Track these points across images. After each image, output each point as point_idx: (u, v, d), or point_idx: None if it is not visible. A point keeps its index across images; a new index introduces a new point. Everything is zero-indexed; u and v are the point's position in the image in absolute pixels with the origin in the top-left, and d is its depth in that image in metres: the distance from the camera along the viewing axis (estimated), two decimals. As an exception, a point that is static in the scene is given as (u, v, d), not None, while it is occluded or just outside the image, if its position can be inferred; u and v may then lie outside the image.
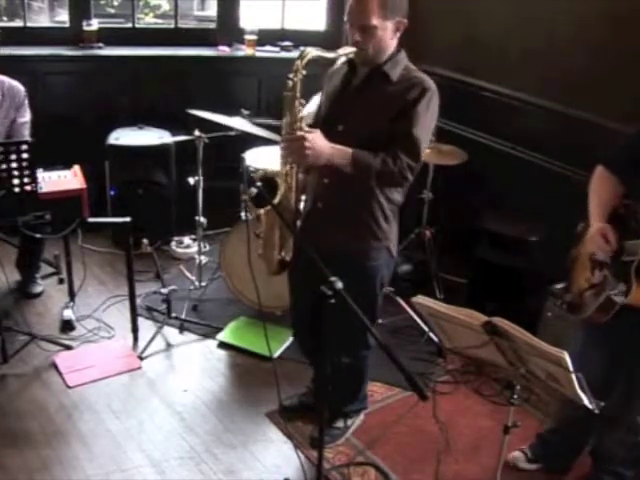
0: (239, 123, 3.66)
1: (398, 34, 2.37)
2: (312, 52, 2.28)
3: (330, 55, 2.35)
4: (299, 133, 2.29)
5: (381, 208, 2.50)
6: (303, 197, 2.63)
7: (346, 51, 2.34)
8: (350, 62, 2.45)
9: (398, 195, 2.53)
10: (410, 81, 2.36)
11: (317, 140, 2.28)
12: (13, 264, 3.79)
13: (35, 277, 3.86)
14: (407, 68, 2.41)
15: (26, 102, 3.47)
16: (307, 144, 2.25)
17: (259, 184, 2.27)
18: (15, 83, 3.44)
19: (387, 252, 2.59)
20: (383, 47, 2.34)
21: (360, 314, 1.91)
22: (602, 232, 2.29)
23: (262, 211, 2.47)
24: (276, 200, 2.42)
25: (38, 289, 3.84)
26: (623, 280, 2.24)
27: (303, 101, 2.33)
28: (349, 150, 2.31)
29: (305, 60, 2.27)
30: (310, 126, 2.39)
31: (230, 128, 3.65)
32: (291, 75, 2.30)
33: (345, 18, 2.34)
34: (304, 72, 2.30)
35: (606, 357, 2.45)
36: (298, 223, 2.56)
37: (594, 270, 2.38)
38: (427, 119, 2.36)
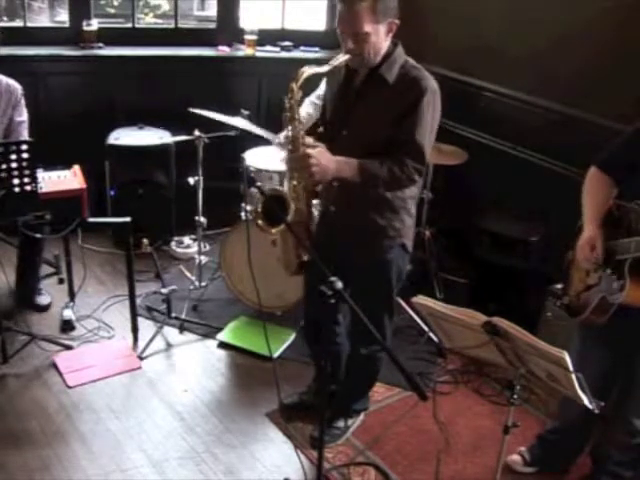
0: (239, 123, 3.65)
1: (391, 34, 2.34)
2: (306, 71, 2.27)
3: (324, 70, 2.32)
4: (302, 150, 2.28)
5: (392, 207, 2.50)
6: (314, 201, 2.64)
7: (340, 60, 2.30)
8: (348, 65, 2.43)
9: (409, 190, 2.50)
10: (408, 82, 2.33)
11: (322, 156, 2.26)
12: (13, 268, 3.74)
13: (39, 289, 3.75)
14: (404, 66, 2.36)
15: (23, 101, 3.44)
16: (313, 161, 2.23)
17: (267, 202, 2.24)
18: (12, 81, 3.41)
19: (401, 248, 2.59)
20: (377, 50, 2.32)
21: (360, 313, 1.91)
22: (590, 242, 2.31)
23: (274, 231, 2.46)
24: (289, 217, 2.39)
25: (46, 300, 3.72)
26: (618, 279, 2.25)
27: (303, 120, 2.32)
28: (354, 161, 2.30)
29: (300, 82, 2.27)
30: (315, 130, 2.37)
31: (230, 128, 3.65)
32: (288, 97, 2.29)
33: (336, 25, 2.32)
34: (300, 94, 2.29)
35: (604, 358, 2.45)
36: (313, 228, 2.56)
37: (589, 272, 2.39)
38: (428, 120, 2.33)
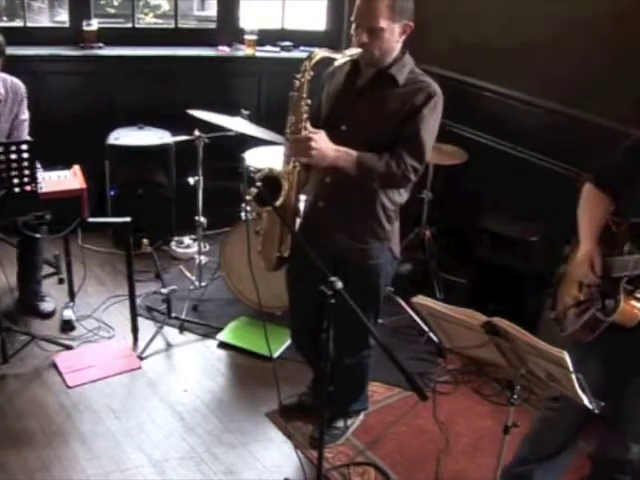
0: (239, 124, 3.65)
1: (404, 37, 2.37)
2: (320, 53, 2.29)
3: (337, 56, 2.35)
4: (304, 133, 2.30)
5: (383, 208, 2.50)
6: (303, 197, 2.63)
7: (352, 52, 2.34)
8: (354, 62, 2.44)
9: (400, 196, 2.53)
10: (416, 85, 2.36)
11: (322, 141, 2.28)
12: (13, 268, 3.73)
13: (42, 295, 3.71)
14: (413, 71, 2.41)
15: (25, 100, 3.46)
16: (313, 144, 2.25)
17: (259, 184, 2.27)
18: (16, 80, 3.45)
19: (389, 252, 2.59)
20: (389, 49, 2.34)
21: (360, 314, 1.91)
22: (590, 259, 2.25)
23: (264, 210, 2.47)
24: (280, 200, 2.41)
25: (50, 307, 3.67)
26: (611, 297, 2.19)
27: (309, 101, 2.33)
28: (353, 153, 2.30)
29: (314, 61, 2.28)
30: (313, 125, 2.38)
31: (230, 128, 3.64)
32: (298, 75, 2.30)
33: (352, 18, 2.33)
34: (312, 73, 2.30)
35: (598, 370, 2.32)
36: (298, 221, 2.56)
37: (581, 287, 2.33)
38: (432, 123, 2.36)
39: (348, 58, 2.40)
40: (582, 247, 2.31)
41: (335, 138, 2.31)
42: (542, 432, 2.51)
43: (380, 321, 3.40)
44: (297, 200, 2.49)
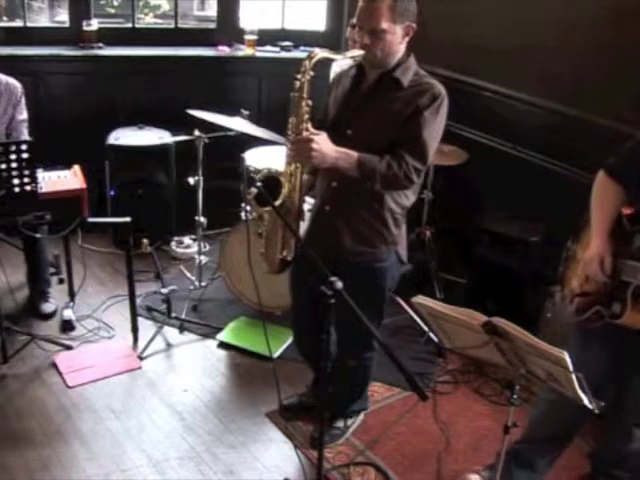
0: (239, 124, 3.65)
1: (407, 38, 2.36)
2: (320, 53, 2.29)
3: (338, 57, 2.35)
4: (305, 134, 2.29)
5: (391, 212, 2.49)
6: (310, 200, 2.63)
7: (354, 54, 2.33)
8: (359, 66, 2.44)
9: (407, 200, 2.52)
10: (421, 87, 2.35)
11: (323, 142, 2.27)
12: (13, 268, 3.75)
13: (47, 295, 3.72)
14: (418, 73, 2.40)
15: (23, 100, 3.43)
16: (314, 145, 2.24)
17: (259, 184, 2.27)
18: (12, 80, 3.40)
19: (396, 255, 2.59)
20: (392, 51, 2.33)
21: (360, 314, 1.91)
22: (600, 258, 2.24)
23: (264, 210, 2.47)
24: (279, 200, 2.42)
25: (50, 309, 3.67)
26: (618, 299, 2.20)
27: (310, 102, 2.32)
28: (354, 154, 2.30)
29: (313, 61, 2.27)
30: (316, 128, 2.38)
31: (230, 128, 3.65)
32: (299, 76, 2.30)
33: (354, 20, 2.33)
34: (312, 73, 2.29)
35: (602, 360, 2.36)
36: (301, 224, 2.56)
37: (588, 278, 2.33)
38: (436, 124, 2.35)
39: (349, 60, 2.40)
40: (594, 243, 2.29)
41: (341, 142, 2.31)
42: (543, 415, 2.53)
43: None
44: (301, 202, 2.48)
